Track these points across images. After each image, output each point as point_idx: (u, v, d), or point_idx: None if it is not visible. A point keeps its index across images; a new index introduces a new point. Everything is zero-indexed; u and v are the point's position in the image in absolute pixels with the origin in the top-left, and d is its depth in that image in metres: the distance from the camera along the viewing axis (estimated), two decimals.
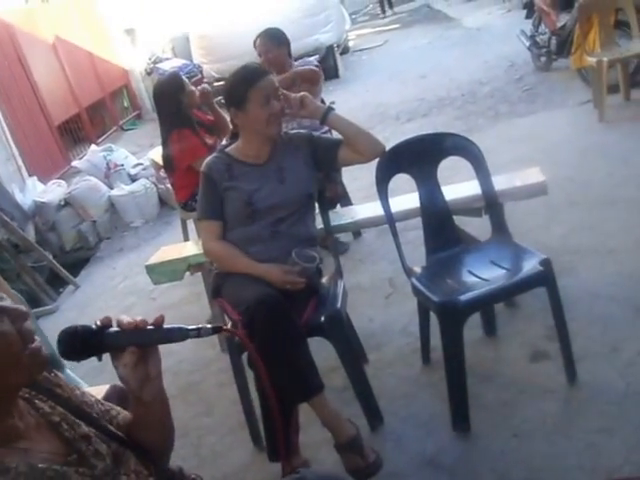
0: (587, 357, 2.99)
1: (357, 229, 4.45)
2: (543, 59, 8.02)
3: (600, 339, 3.12)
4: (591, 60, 6.10)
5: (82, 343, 1.33)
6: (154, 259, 3.99)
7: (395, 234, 3.11)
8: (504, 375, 3.08)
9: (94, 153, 7.91)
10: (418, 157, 3.16)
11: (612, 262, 3.73)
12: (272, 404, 2.43)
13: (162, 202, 7.40)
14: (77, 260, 6.73)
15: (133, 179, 7.56)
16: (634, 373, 2.85)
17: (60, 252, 6.82)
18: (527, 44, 8.14)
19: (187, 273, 4.01)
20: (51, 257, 6.28)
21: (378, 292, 4.14)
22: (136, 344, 1.35)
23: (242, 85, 2.85)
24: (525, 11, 8.66)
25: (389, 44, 14.31)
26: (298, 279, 2.78)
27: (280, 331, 2.54)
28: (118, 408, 1.57)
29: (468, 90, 8.39)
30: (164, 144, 4.75)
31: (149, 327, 1.36)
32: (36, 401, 1.37)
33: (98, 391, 2.21)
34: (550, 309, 3.23)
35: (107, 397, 2.18)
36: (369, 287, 4.24)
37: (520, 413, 2.80)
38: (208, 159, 3.03)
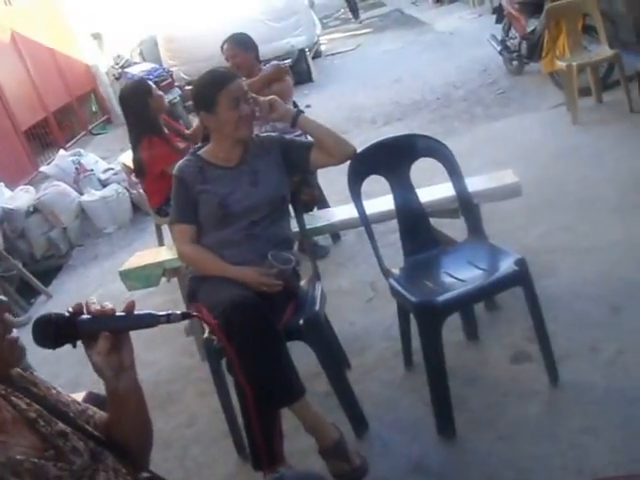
0: (568, 357, 2.99)
1: (333, 231, 4.43)
2: (515, 63, 8.08)
3: (580, 339, 3.12)
4: (561, 64, 6.16)
5: (56, 330, 1.33)
6: (128, 265, 3.92)
7: (371, 235, 3.09)
8: (487, 378, 3.06)
9: (63, 158, 7.73)
10: (390, 159, 3.14)
11: (590, 262, 3.75)
12: (249, 404, 2.39)
13: (135, 207, 7.26)
14: (48, 269, 6.57)
15: (104, 184, 7.41)
16: (615, 372, 2.86)
17: (30, 260, 6.63)
18: (498, 48, 8.20)
19: (163, 280, 3.96)
20: (21, 265, 6.11)
21: (359, 296, 4.11)
22: (109, 329, 1.36)
23: (211, 88, 2.84)
24: (495, 16, 8.69)
25: (361, 48, 14.33)
26: (274, 281, 2.75)
27: (258, 333, 2.50)
28: (94, 408, 1.55)
29: (442, 93, 8.42)
30: (134, 150, 4.69)
31: (120, 313, 1.38)
32: (12, 398, 1.36)
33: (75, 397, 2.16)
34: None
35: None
36: (350, 291, 4.21)
37: (505, 415, 2.78)
38: (180, 162, 3.01)
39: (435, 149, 3.14)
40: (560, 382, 2.87)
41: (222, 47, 4.67)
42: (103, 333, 1.35)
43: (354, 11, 19.18)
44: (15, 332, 1.31)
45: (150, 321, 1.38)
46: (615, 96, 6.25)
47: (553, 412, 2.75)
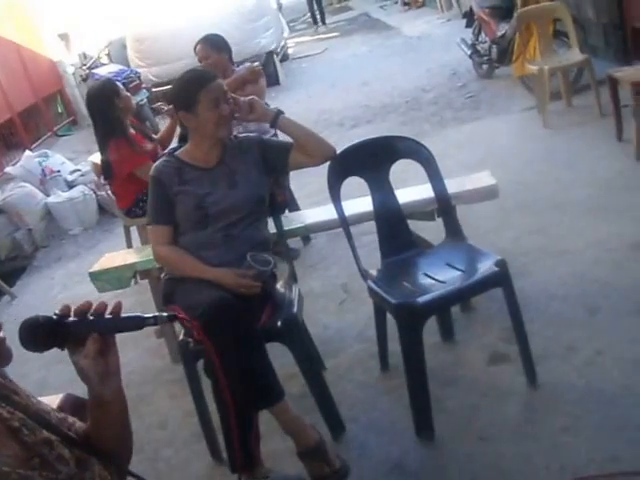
0: (546, 358, 2.99)
1: (307, 233, 4.40)
2: (485, 67, 8.12)
3: (557, 339, 3.13)
4: (532, 68, 6.21)
5: (44, 332, 1.29)
6: (99, 266, 3.84)
7: (350, 237, 3.06)
8: (465, 379, 3.05)
9: (29, 159, 7.64)
10: (370, 160, 3.13)
11: (564, 263, 3.76)
12: (229, 407, 2.35)
13: (101, 209, 7.18)
14: (12, 269, 6.46)
15: (70, 186, 7.32)
16: (593, 372, 2.86)
17: None
18: (468, 52, 8.23)
19: (133, 281, 3.88)
20: None
21: (332, 298, 4.08)
22: (97, 331, 1.32)
23: (192, 88, 2.80)
24: (465, 20, 8.73)
25: (329, 52, 14.32)
26: (253, 283, 2.70)
27: (238, 335, 2.46)
28: (74, 418, 1.49)
29: (412, 97, 8.43)
30: (102, 152, 4.62)
31: (107, 316, 1.33)
32: None
33: (51, 400, 2.08)
34: (507, 311, 3.25)
35: (61, 406, 2.07)
36: (322, 293, 4.18)
37: (484, 416, 2.77)
38: (158, 163, 2.96)
39: (415, 150, 3.13)
40: (538, 382, 2.86)
41: (195, 48, 4.61)
42: (91, 335, 1.30)
43: (315, 17, 18.91)
44: (1, 333, 1.26)
45: (137, 323, 1.35)
46: (584, 100, 6.31)
47: (532, 412, 2.74)
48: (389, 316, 3.01)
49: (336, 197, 3.05)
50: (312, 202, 5.17)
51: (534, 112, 6.49)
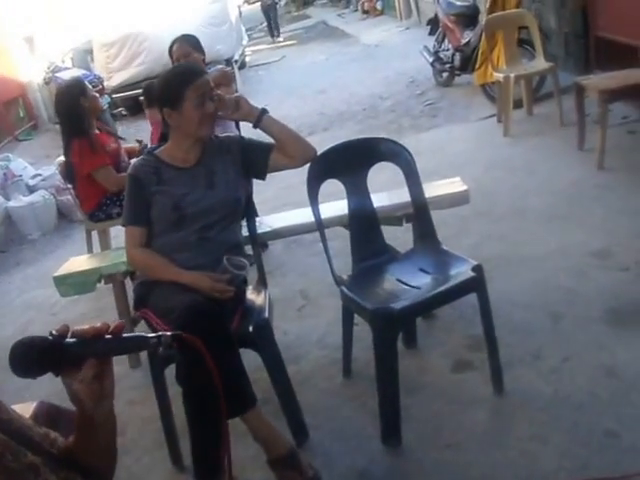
0: (511, 365, 2.96)
1: (276, 238, 4.32)
2: (445, 75, 8.18)
3: (522, 347, 3.11)
4: (498, 76, 6.25)
5: (40, 356, 1.16)
6: (63, 270, 3.75)
7: (324, 241, 2.99)
8: (430, 387, 3.01)
9: None
10: (349, 162, 3.08)
11: (525, 270, 3.77)
12: (223, 417, 2.24)
13: (61, 214, 7.10)
14: None
15: (31, 190, 7.22)
16: (559, 379, 2.85)
17: None
18: (430, 60, 8.28)
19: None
20: None
21: (290, 304, 4.01)
22: (96, 355, 1.20)
23: (179, 83, 2.72)
24: (429, 27, 8.79)
25: (286, 60, 14.34)
26: (227, 287, 2.65)
27: (213, 340, 2.36)
28: (54, 432, 1.38)
29: (369, 104, 8.45)
30: (65, 152, 4.57)
31: (107, 337, 1.21)
32: None
33: (24, 408, 1.97)
34: (468, 318, 3.23)
35: (35, 415, 1.95)
36: (280, 299, 4.08)
37: (450, 424, 2.73)
38: (136, 161, 2.90)
39: (396, 153, 3.08)
40: (505, 390, 2.84)
41: (171, 48, 4.49)
42: (89, 359, 1.20)
43: (272, 30, 19.34)
44: None
45: (140, 344, 1.27)
46: (545, 109, 6.40)
47: (500, 420, 2.72)
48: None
49: (314, 199, 2.98)
50: (269, 208, 5.11)
51: (493, 120, 6.55)
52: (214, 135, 2.95)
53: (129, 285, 3.75)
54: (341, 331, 3.13)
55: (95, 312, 4.52)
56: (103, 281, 3.68)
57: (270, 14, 19.21)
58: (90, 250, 5.03)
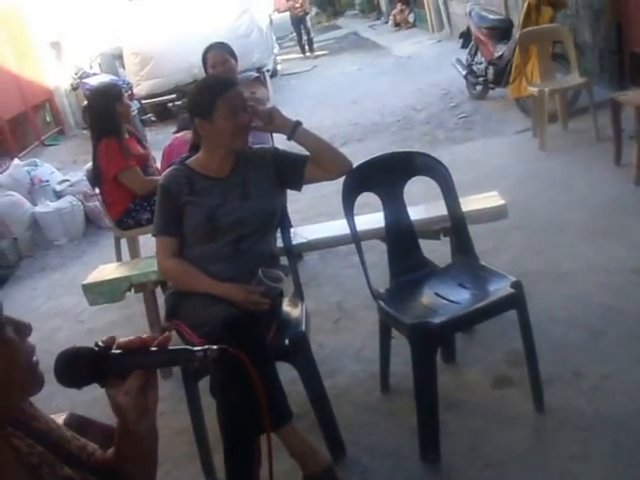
0: (551, 382, 2.92)
1: (310, 250, 4.31)
2: (479, 88, 8.13)
3: (562, 364, 3.06)
4: (532, 90, 6.20)
5: (86, 366, 1.15)
6: (92, 278, 3.73)
7: (361, 254, 2.96)
8: (469, 403, 2.98)
9: (17, 167, 7.53)
10: (386, 175, 3.05)
11: (564, 286, 3.72)
12: (267, 431, 2.23)
13: (89, 220, 7.10)
14: None
15: (59, 196, 7.22)
16: (601, 398, 2.80)
17: None
18: (463, 72, 8.25)
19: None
20: None
21: (326, 316, 3.99)
22: (142, 367, 1.19)
23: (210, 94, 2.70)
24: (461, 40, 8.75)
25: (318, 70, 14.36)
26: (263, 300, 2.62)
27: (251, 354, 2.34)
28: (93, 444, 1.35)
29: (403, 116, 8.42)
30: (93, 155, 4.58)
31: (153, 349, 1.20)
32: (13, 439, 1.16)
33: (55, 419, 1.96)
34: (508, 333, 3.18)
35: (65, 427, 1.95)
36: (316, 311, 4.06)
37: (490, 442, 2.69)
38: (167, 171, 2.87)
39: (432, 167, 3.06)
40: (545, 408, 2.79)
41: (205, 56, 4.49)
42: (135, 371, 1.18)
43: (303, 47, 17.64)
44: (35, 357, 1.13)
45: (186, 357, 1.23)
46: (580, 124, 6.33)
47: (541, 438, 2.68)
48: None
49: (350, 213, 2.96)
50: (301, 218, 5.11)
51: (528, 134, 6.49)
52: (248, 146, 2.93)
53: (159, 294, 3.76)
54: (378, 345, 3.11)
55: (124, 320, 4.52)
56: (133, 290, 3.67)
57: (301, 27, 17.56)
58: (119, 258, 5.00)
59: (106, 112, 4.42)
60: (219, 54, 4.41)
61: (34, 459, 1.15)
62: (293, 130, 2.82)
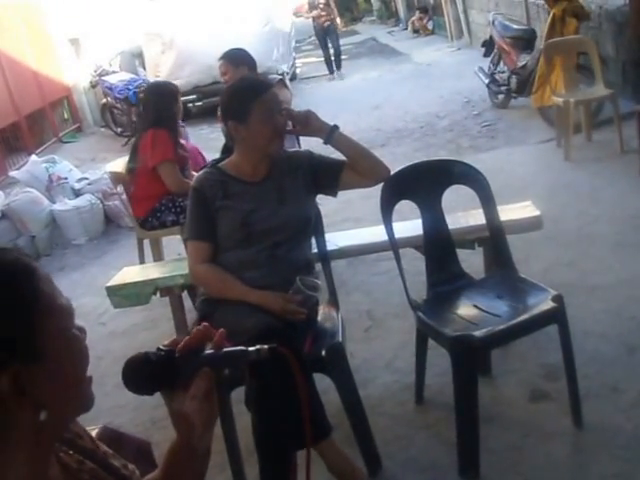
0: (588, 398, 2.86)
1: (342, 257, 4.27)
2: (501, 96, 8.10)
3: (598, 379, 3.01)
4: (558, 100, 6.16)
5: (156, 371, 1.12)
6: (116, 281, 3.66)
7: (399, 264, 2.91)
8: (506, 416, 2.92)
9: (35, 164, 7.42)
10: (424, 183, 3.01)
11: (597, 299, 3.67)
12: (308, 442, 2.19)
13: (108, 220, 7.02)
14: None
15: (77, 194, 7.14)
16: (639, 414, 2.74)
17: None
18: (486, 81, 8.21)
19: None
20: None
21: (356, 325, 3.91)
22: (209, 367, 1.15)
23: (246, 97, 2.64)
24: (483, 49, 8.72)
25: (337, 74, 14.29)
26: (300, 309, 2.55)
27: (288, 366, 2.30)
28: (131, 465, 1.29)
29: (426, 122, 8.39)
30: (134, 148, 4.59)
31: (210, 351, 1.17)
32: (61, 454, 1.11)
33: None
34: (544, 347, 3.16)
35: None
36: (346, 320, 3.93)
37: (528, 457, 2.64)
38: (200, 174, 2.80)
39: (470, 176, 3.03)
40: (584, 424, 2.74)
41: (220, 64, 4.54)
42: (202, 371, 1.14)
43: (331, 66, 14.16)
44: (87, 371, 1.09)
45: (242, 357, 1.20)
46: (604, 135, 6.29)
47: (580, 455, 2.64)
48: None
49: (388, 220, 2.91)
50: (328, 223, 5.05)
51: (552, 144, 6.45)
52: (283, 150, 2.87)
53: (184, 297, 3.71)
54: (410, 355, 3.06)
55: (147, 323, 4.46)
56: (159, 293, 3.60)
57: (328, 39, 14.05)
58: (142, 260, 4.91)
59: (163, 105, 4.43)
60: (222, 65, 4.47)
61: (84, 475, 1.12)
62: (330, 134, 2.75)
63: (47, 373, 0.99)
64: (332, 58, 14.06)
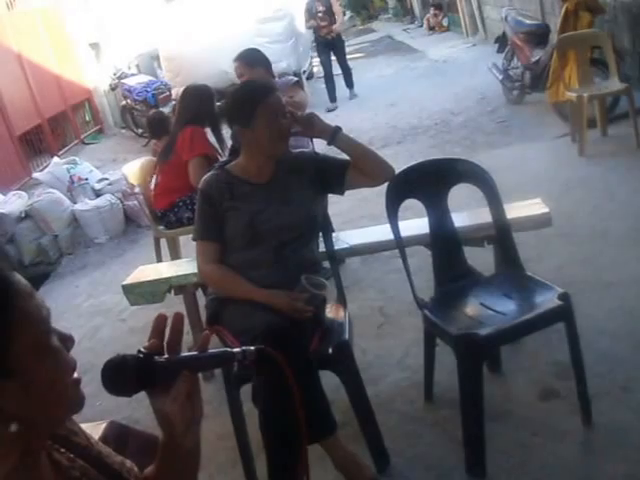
0: (598, 397, 2.84)
1: (353, 255, 4.29)
2: (515, 92, 8.05)
3: (609, 378, 2.99)
4: (571, 95, 6.11)
5: (134, 374, 1.13)
6: (132, 279, 3.75)
7: (405, 262, 2.93)
8: (515, 415, 2.91)
9: (57, 165, 7.62)
10: (429, 182, 3.01)
11: (611, 297, 3.64)
12: (304, 441, 2.21)
13: (128, 219, 7.19)
14: (36, 275, 6.35)
15: (97, 194, 7.32)
16: None
17: (18, 266, 6.48)
18: (500, 77, 8.17)
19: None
20: None
21: (369, 322, 3.94)
22: (189, 369, 1.17)
23: (249, 101, 2.69)
24: (497, 45, 8.66)
25: (354, 72, 14.21)
26: (306, 307, 2.58)
27: (293, 364, 2.33)
28: (129, 462, 1.32)
29: (441, 119, 8.37)
30: (170, 143, 4.66)
31: (193, 353, 1.19)
32: (53, 453, 1.14)
33: (93, 428, 1.94)
34: (554, 344, 3.15)
35: (105, 437, 1.93)
36: (359, 316, 4.01)
37: (537, 456, 2.63)
38: (207, 176, 2.85)
39: (476, 174, 3.02)
40: (593, 423, 2.73)
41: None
42: (182, 373, 1.15)
43: (333, 94, 11.29)
44: (75, 373, 1.11)
45: (226, 359, 1.23)
46: (619, 130, 6.23)
47: (590, 455, 2.62)
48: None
49: (394, 219, 2.93)
50: (342, 221, 5.08)
51: (567, 140, 6.41)
52: (288, 150, 2.90)
53: (199, 295, 3.75)
54: (422, 352, 3.07)
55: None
56: (173, 292, 3.67)
57: (330, 53, 11.26)
58: (159, 259, 5.01)
59: (203, 105, 4.55)
60: (237, 67, 4.49)
61: (75, 472, 1.14)
62: (333, 136, 2.79)
63: (19, 387, 1.00)
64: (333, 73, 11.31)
